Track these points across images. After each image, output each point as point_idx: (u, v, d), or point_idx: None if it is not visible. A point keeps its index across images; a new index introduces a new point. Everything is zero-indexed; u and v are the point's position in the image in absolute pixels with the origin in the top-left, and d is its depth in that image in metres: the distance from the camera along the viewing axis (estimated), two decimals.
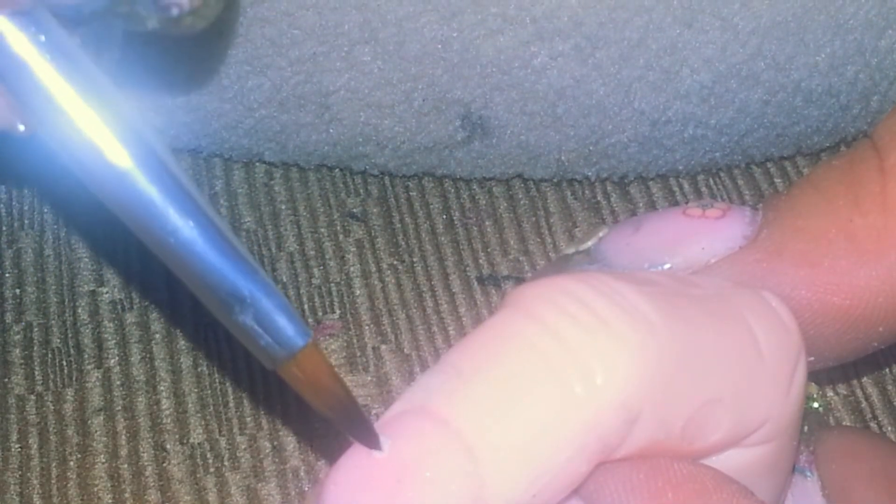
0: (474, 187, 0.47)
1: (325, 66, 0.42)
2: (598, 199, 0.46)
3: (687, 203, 0.45)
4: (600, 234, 0.31)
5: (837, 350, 0.30)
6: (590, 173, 0.46)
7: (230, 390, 0.41)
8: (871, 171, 0.29)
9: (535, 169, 0.45)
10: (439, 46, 0.42)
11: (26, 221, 0.46)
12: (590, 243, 0.31)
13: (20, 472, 0.39)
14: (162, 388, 0.41)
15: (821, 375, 0.41)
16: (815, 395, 0.34)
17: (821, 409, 0.34)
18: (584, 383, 0.24)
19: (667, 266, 0.29)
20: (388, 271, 0.44)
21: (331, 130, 0.44)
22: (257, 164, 0.47)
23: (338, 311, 0.43)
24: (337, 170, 0.47)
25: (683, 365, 0.25)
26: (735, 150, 0.46)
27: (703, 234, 0.30)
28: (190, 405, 0.41)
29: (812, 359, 0.29)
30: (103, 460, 0.39)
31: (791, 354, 0.27)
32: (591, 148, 0.45)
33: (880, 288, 0.28)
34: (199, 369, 0.42)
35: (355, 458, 0.24)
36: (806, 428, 0.32)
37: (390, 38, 0.42)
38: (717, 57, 0.42)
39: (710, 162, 0.46)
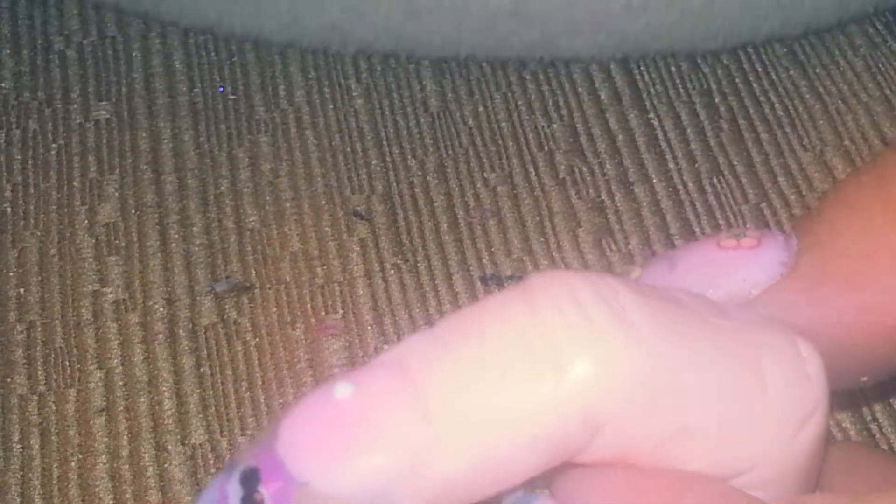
0: (478, 185, 0.46)
1: None
2: (603, 198, 0.46)
3: (696, 212, 0.45)
4: (634, 276, 0.30)
5: (887, 368, 0.29)
6: None
7: (232, 391, 0.41)
8: None
9: None
10: None
11: (32, 221, 0.45)
12: None
13: (21, 473, 0.39)
14: (164, 388, 0.41)
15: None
16: None
17: None
18: (551, 377, 0.23)
19: None
20: (392, 270, 0.44)
21: None
22: (263, 162, 0.47)
23: (340, 311, 0.43)
24: (343, 165, 0.46)
25: (665, 386, 0.24)
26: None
27: (742, 266, 0.29)
28: (192, 406, 0.40)
29: (865, 378, 0.29)
30: (104, 461, 0.39)
31: (804, 405, 0.26)
32: None
33: None
34: (202, 370, 0.41)
35: (317, 396, 0.24)
36: None
37: None
38: None
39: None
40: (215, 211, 0.45)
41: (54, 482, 0.39)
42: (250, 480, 0.24)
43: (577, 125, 0.48)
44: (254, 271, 0.43)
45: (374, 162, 0.47)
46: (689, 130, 0.48)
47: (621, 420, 0.24)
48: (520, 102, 0.49)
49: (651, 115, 0.48)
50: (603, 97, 0.49)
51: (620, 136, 0.47)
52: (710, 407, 0.25)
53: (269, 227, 0.45)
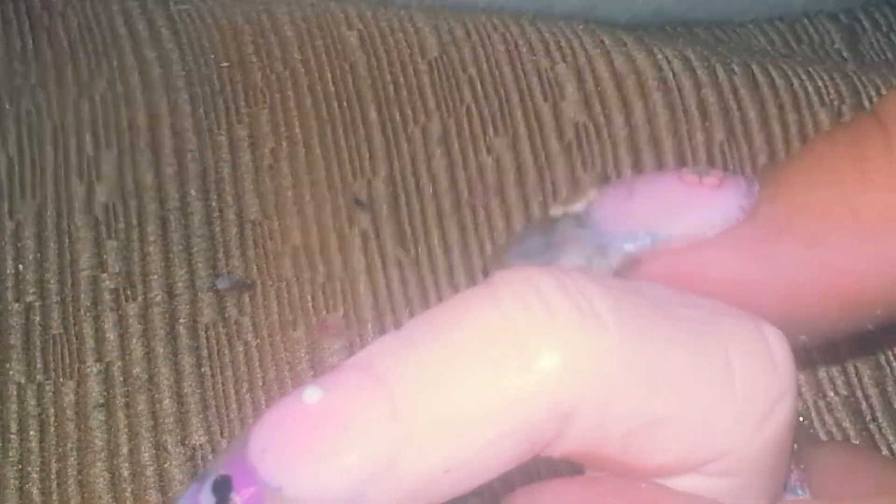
0: (482, 154, 0.45)
1: None
2: (609, 172, 0.45)
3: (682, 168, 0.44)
4: (590, 197, 0.30)
5: (831, 329, 0.29)
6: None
7: (232, 391, 0.41)
8: (877, 148, 0.28)
9: None
10: None
11: (28, 190, 0.45)
12: (579, 206, 0.30)
13: (20, 466, 0.39)
14: (164, 387, 0.41)
15: (821, 376, 0.40)
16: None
17: (805, 422, 0.33)
18: (518, 372, 0.24)
19: (662, 235, 0.28)
20: (393, 266, 0.43)
21: None
22: (265, 149, 0.46)
23: (341, 310, 0.42)
24: (345, 149, 0.46)
25: (632, 376, 0.25)
26: None
27: (701, 204, 0.29)
28: (192, 406, 0.40)
29: (804, 338, 0.29)
30: (104, 458, 0.39)
31: (771, 393, 0.26)
32: None
33: (885, 269, 0.28)
34: (202, 369, 0.41)
35: (287, 402, 0.25)
36: (795, 445, 0.31)
37: None
38: None
39: None
40: (216, 199, 0.44)
41: (53, 477, 0.39)
42: (223, 488, 0.24)
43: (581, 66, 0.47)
44: (255, 266, 0.43)
45: (376, 140, 0.46)
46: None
47: (590, 410, 0.24)
48: (520, 42, 0.47)
49: (659, 55, 0.47)
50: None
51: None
52: (678, 396, 0.25)
53: (269, 219, 0.44)
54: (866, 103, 0.46)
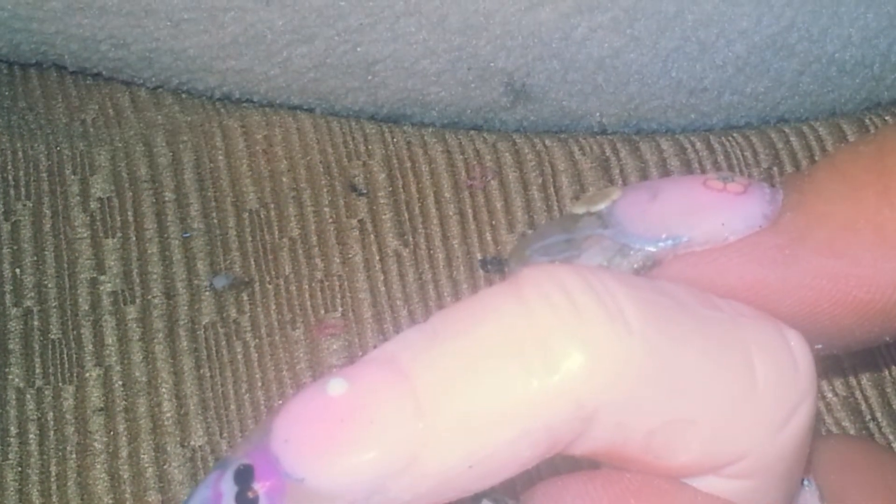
0: (478, 142, 0.46)
1: (370, 37, 0.45)
2: (608, 155, 0.46)
3: (704, 172, 0.45)
4: (614, 197, 0.30)
5: (848, 340, 0.30)
6: (629, 131, 0.48)
7: (232, 392, 0.41)
8: None
9: (577, 129, 0.48)
10: (482, 19, 0.44)
11: (23, 190, 0.45)
12: (602, 206, 0.30)
13: (20, 469, 0.40)
14: (164, 389, 0.41)
15: (820, 378, 0.41)
16: None
17: None
18: (542, 370, 0.25)
19: (685, 239, 0.29)
20: (392, 258, 0.44)
21: (378, 94, 0.46)
22: (258, 136, 0.46)
23: (340, 309, 0.43)
24: (339, 134, 0.46)
25: (656, 377, 0.25)
26: (770, 116, 0.48)
27: (724, 209, 0.29)
28: (191, 407, 0.41)
29: (819, 346, 0.29)
30: (103, 460, 0.40)
31: (793, 395, 0.27)
32: (630, 112, 0.47)
33: None
34: (201, 371, 0.42)
35: (311, 393, 0.25)
36: None
37: (434, 11, 0.44)
38: (751, 29, 0.44)
39: (746, 125, 0.48)
40: (212, 189, 0.45)
41: (52, 479, 0.39)
42: (244, 478, 0.25)
43: None
44: (253, 262, 0.44)
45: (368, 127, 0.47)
46: None
47: (614, 410, 0.25)
48: None
49: None
50: None
51: None
52: (700, 396, 0.26)
53: (267, 209, 0.45)
54: None
